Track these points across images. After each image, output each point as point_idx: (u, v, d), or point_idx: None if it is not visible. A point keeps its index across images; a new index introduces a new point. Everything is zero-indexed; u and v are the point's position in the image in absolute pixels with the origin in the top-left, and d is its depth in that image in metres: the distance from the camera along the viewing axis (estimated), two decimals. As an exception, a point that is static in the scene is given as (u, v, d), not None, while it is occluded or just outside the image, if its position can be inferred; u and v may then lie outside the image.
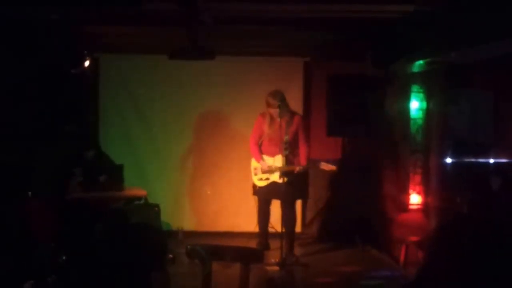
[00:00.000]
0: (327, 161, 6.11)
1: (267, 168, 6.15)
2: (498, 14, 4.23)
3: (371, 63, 6.43)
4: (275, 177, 6.11)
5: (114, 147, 7.08)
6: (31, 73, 6.19)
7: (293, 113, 6.23)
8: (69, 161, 6.26)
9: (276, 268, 5.89)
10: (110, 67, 7.38)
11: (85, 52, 6.84)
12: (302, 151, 6.16)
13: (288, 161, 6.00)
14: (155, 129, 7.48)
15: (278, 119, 5.98)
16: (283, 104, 6.00)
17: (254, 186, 6.33)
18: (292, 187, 6.05)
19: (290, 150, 6.02)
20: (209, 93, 7.46)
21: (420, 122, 6.39)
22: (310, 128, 7.02)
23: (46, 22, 5.35)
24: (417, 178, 6.41)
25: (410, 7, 4.80)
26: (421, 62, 5.63)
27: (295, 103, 6.38)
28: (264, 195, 6.29)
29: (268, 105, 6.04)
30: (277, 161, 6.09)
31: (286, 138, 5.97)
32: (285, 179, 5.95)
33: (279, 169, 6.03)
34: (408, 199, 6.39)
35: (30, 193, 5.78)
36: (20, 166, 5.88)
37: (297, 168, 6.01)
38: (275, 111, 6.00)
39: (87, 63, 6.88)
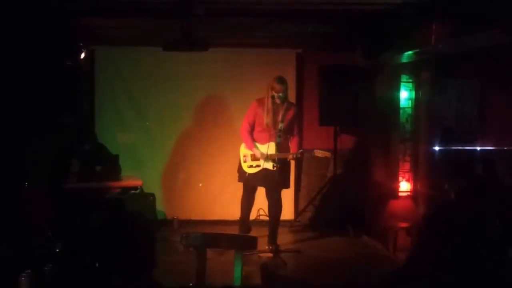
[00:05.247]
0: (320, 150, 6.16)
1: (261, 157, 6.05)
2: (485, 5, 4.31)
3: (361, 54, 6.51)
4: (268, 164, 6.05)
5: (109, 137, 7.14)
6: (27, 65, 6.22)
7: (290, 102, 6.27)
8: (66, 151, 6.31)
9: (270, 254, 6.00)
10: (105, 59, 7.44)
11: (81, 44, 6.90)
12: (295, 140, 6.16)
13: (280, 148, 6.02)
14: (150, 120, 7.57)
15: (278, 105, 5.99)
16: (287, 90, 6.06)
17: (241, 173, 6.29)
18: (282, 175, 6.05)
19: (282, 138, 6.06)
20: (203, 84, 7.55)
21: (409, 111, 6.52)
22: (303, 118, 7.11)
23: (42, 13, 5.40)
24: (406, 165, 6.55)
25: (398, -1, 4.89)
26: (410, 52, 5.69)
27: (288, 93, 6.46)
28: (253, 182, 6.24)
29: (273, 89, 5.97)
30: (270, 148, 6.02)
31: (281, 125, 6.01)
32: (278, 166, 5.97)
33: (273, 156, 5.99)
34: (398, 186, 6.52)
35: (27, 183, 5.84)
36: (17, 156, 5.93)
37: (290, 156, 6.01)
38: (278, 96, 5.97)
39: (82, 55, 6.95)
